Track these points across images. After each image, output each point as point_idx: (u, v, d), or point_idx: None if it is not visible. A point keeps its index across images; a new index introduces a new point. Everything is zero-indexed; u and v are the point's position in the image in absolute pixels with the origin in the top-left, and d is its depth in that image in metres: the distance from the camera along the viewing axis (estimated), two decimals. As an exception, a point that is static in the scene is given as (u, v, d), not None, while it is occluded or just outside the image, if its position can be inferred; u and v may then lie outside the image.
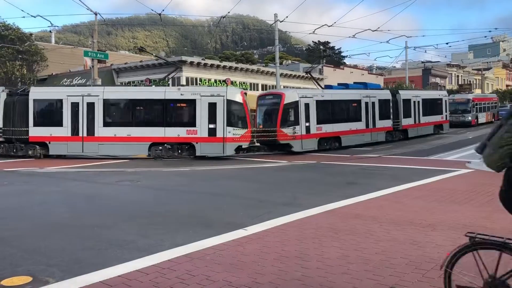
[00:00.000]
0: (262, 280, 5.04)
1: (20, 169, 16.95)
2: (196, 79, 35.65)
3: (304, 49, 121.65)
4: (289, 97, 22.87)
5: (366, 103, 26.80)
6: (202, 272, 5.29)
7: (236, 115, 21.18)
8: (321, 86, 27.68)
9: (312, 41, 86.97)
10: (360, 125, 26.38)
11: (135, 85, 32.44)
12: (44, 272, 5.44)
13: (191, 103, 20.75)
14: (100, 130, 20.65)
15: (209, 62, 37.68)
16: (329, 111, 24.88)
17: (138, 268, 5.47)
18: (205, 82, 35.70)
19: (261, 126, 23.36)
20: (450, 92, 62.49)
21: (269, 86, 39.69)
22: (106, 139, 20.56)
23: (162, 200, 10.75)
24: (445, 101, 34.52)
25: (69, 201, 10.75)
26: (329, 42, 76.44)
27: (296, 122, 22.63)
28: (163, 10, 26.68)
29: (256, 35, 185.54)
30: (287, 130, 22.30)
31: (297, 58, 79.64)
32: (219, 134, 20.55)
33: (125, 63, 39.98)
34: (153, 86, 26.31)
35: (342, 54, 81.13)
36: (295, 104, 22.72)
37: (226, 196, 11.13)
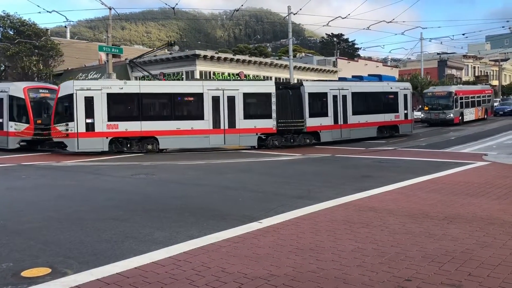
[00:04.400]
0: (277, 272, 5.06)
1: (37, 163, 17.21)
2: (209, 72, 35.71)
3: (317, 41, 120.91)
4: (64, 89, 20.25)
5: (214, 98, 21.31)
6: (217, 264, 5.33)
7: (18, 110, 21.81)
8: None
9: (326, 34, 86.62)
10: (201, 124, 21.08)
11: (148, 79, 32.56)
12: (63, 264, 5.54)
13: None
14: None
15: (223, 55, 37.70)
16: (136, 106, 20.69)
17: (154, 260, 5.54)
18: (219, 76, 35.74)
19: (39, 121, 21.61)
20: (466, 83, 61.63)
21: (283, 79, 39.54)
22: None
23: (176, 193, 10.83)
24: (405, 95, 27.28)
25: (86, 195, 10.90)
26: (343, 34, 76.08)
27: (71, 118, 19.73)
28: (176, 4, 26.74)
29: (269, 28, 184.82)
30: (61, 127, 19.87)
31: (310, 50, 79.20)
32: (4, 128, 21.71)
33: (139, 56, 40.15)
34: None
35: (356, 46, 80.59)
36: (69, 98, 19.78)
37: (240, 189, 11.17)
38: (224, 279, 4.88)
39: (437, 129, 32.75)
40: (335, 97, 24.21)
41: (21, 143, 21.72)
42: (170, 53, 40.50)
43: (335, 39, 76.86)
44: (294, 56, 44.45)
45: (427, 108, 36.55)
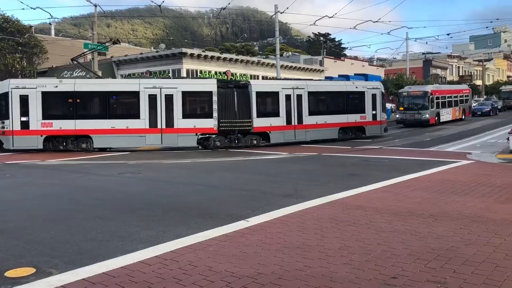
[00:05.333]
0: (264, 270, 5.06)
1: (21, 162, 16.97)
2: (196, 71, 35.58)
3: (304, 40, 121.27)
4: (0, 88, 20.44)
5: (151, 96, 20.81)
6: (204, 263, 5.31)
7: None
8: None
9: (313, 33, 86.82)
10: (137, 123, 20.62)
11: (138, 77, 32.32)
12: (48, 264, 5.47)
13: None
14: None
15: (210, 54, 37.58)
16: (71, 104, 20.47)
17: (141, 259, 5.50)
18: (206, 74, 35.64)
19: None
20: (450, 83, 62.40)
21: (270, 77, 39.60)
22: None
23: (163, 191, 10.77)
24: (373, 95, 25.91)
25: (71, 194, 10.78)
26: (330, 34, 76.39)
27: (7, 116, 19.85)
28: (163, 1, 26.58)
29: (256, 26, 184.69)
30: (2, 125, 20.05)
31: (297, 49, 79.39)
32: None
33: (125, 55, 39.88)
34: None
35: (343, 45, 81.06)
36: (5, 96, 19.96)
37: (227, 188, 11.16)
38: (211, 278, 4.87)
39: (411, 130, 31.44)
40: (288, 96, 23.08)
41: None
42: (157, 51, 40.26)
43: (321, 38, 77.17)
44: (281, 55, 44.55)
45: (402, 109, 35.23)
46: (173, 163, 16.76)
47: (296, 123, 23.23)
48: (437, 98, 35.38)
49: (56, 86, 20.46)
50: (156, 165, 16.28)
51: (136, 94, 20.81)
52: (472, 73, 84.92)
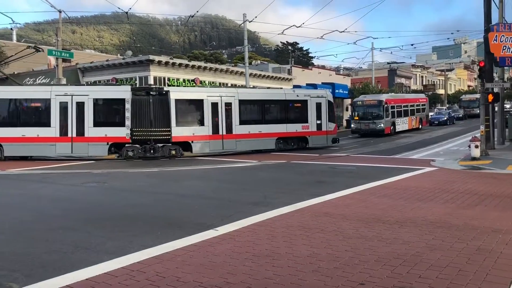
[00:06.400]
0: (233, 280, 5.02)
1: (-20, 171, 16.32)
2: (164, 78, 35.24)
3: (273, 49, 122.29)
4: None
5: (62, 104, 20.33)
6: (172, 274, 5.22)
7: None
8: None
9: (281, 42, 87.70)
10: (47, 131, 20.09)
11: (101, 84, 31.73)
12: (7, 278, 5.24)
13: None
14: None
15: (178, 61, 37.28)
16: None
17: (107, 270, 5.35)
18: (174, 82, 35.34)
19: None
20: (414, 92, 64.12)
21: (239, 86, 39.67)
22: None
23: (129, 201, 10.56)
24: (318, 104, 24.83)
25: (33, 204, 10.42)
26: (298, 43, 77.28)
27: None
28: (130, 8, 26.28)
29: (224, 35, 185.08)
30: None
31: (266, 58, 79.91)
32: None
33: (91, 62, 39.11)
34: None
35: (310, 54, 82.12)
36: None
37: (196, 197, 11.05)
38: (179, 289, 4.78)
39: (365, 140, 31.03)
40: (215, 104, 22.03)
41: None
42: (123, 58, 39.67)
43: (289, 48, 78.03)
44: (250, 63, 44.73)
45: (357, 118, 34.48)
46: (139, 172, 16.49)
47: (224, 133, 22.19)
48: (393, 107, 34.80)
49: None
50: (122, 174, 15.97)
51: (47, 102, 20.33)
52: (435, 83, 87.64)
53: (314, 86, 37.27)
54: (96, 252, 6.29)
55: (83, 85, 24.30)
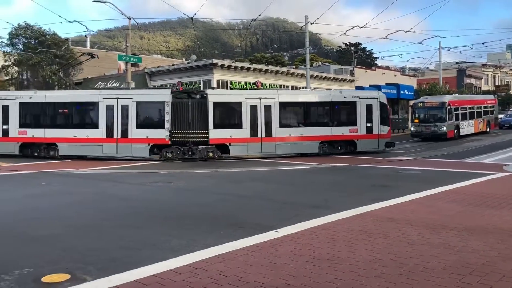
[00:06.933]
0: (294, 282, 5.03)
1: (57, 170, 17.47)
2: (226, 81, 35.93)
3: (334, 50, 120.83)
4: None
5: (109, 106, 21.34)
6: (234, 273, 5.32)
7: None
8: None
9: (343, 43, 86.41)
10: (96, 132, 21.28)
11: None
12: (81, 270, 5.60)
13: None
14: None
15: (240, 64, 37.89)
16: (42, 114, 22.04)
17: (172, 267, 5.56)
18: (236, 85, 35.92)
19: None
20: (485, 93, 60.76)
21: (300, 88, 39.60)
22: None
23: (193, 201, 10.88)
24: (368, 105, 23.30)
25: (104, 202, 11.02)
26: (361, 44, 75.74)
27: None
28: (194, 14, 27.06)
29: (286, 37, 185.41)
30: None
31: (327, 59, 79.14)
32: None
33: (158, 67, 40.68)
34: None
35: (374, 55, 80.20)
36: None
37: (256, 198, 11.17)
38: (241, 288, 4.87)
39: (430, 143, 29.02)
40: (254, 107, 21.74)
41: None
42: (188, 63, 40.89)
43: (352, 48, 76.72)
44: (311, 65, 44.43)
45: (417, 121, 32.52)
46: (203, 173, 16.91)
47: (263, 135, 21.72)
48: (456, 109, 32.47)
49: (31, 97, 22.21)
50: (186, 175, 16.46)
51: (96, 105, 21.59)
52: (509, 83, 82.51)
53: (377, 87, 36.37)
54: (162, 249, 6.55)
55: (132, 89, 25.69)
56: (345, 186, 12.95)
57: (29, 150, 22.03)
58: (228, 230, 7.65)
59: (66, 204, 10.57)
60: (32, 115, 22.40)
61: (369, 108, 23.31)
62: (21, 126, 21.89)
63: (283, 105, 22.33)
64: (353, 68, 49.25)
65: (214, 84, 34.72)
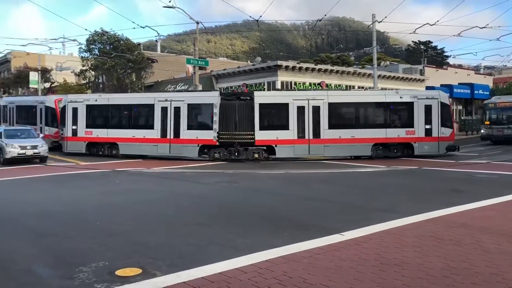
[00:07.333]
0: (360, 286, 4.94)
1: (129, 169, 18.36)
2: (291, 82, 35.90)
3: (403, 49, 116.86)
4: (62, 102, 25.10)
5: (163, 109, 22.31)
6: (299, 275, 5.32)
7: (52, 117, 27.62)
8: None
9: (412, 41, 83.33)
10: (151, 133, 22.40)
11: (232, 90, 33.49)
12: (152, 265, 5.85)
13: None
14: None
15: (304, 65, 37.69)
16: (105, 115, 24.08)
17: (237, 266, 5.66)
18: (300, 86, 35.80)
19: None
20: None
21: (366, 88, 38.73)
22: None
23: (258, 201, 10.99)
24: (427, 106, 21.86)
25: (173, 200, 11.44)
26: (431, 42, 72.74)
27: (63, 124, 24.57)
28: (260, 16, 27.31)
29: (352, 36, 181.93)
30: (61, 131, 24.97)
31: (396, 59, 76.67)
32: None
33: (224, 69, 41.51)
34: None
35: (446, 53, 76.56)
36: (63, 109, 24.63)
37: (321, 200, 11.07)
38: (305, 290, 4.85)
39: (502, 147, 26.48)
40: (301, 108, 21.36)
41: (53, 144, 25.92)
42: (253, 64, 41.35)
43: (422, 47, 73.81)
44: (378, 64, 43.25)
45: (488, 123, 29.87)
46: (267, 174, 17.03)
47: (311, 137, 21.30)
48: None
49: (96, 100, 24.23)
50: (250, 175, 16.66)
51: (151, 107, 22.77)
52: None
53: (449, 87, 34.78)
54: (228, 248, 6.68)
55: (192, 91, 26.91)
56: (414, 190, 12.50)
57: (94, 149, 23.87)
58: (292, 231, 7.65)
59: (138, 201, 11.06)
60: (97, 116, 24.19)
61: (428, 109, 21.91)
62: (87, 126, 23.81)
63: (333, 106, 21.80)
64: (423, 67, 47.32)
65: (279, 86, 34.81)
